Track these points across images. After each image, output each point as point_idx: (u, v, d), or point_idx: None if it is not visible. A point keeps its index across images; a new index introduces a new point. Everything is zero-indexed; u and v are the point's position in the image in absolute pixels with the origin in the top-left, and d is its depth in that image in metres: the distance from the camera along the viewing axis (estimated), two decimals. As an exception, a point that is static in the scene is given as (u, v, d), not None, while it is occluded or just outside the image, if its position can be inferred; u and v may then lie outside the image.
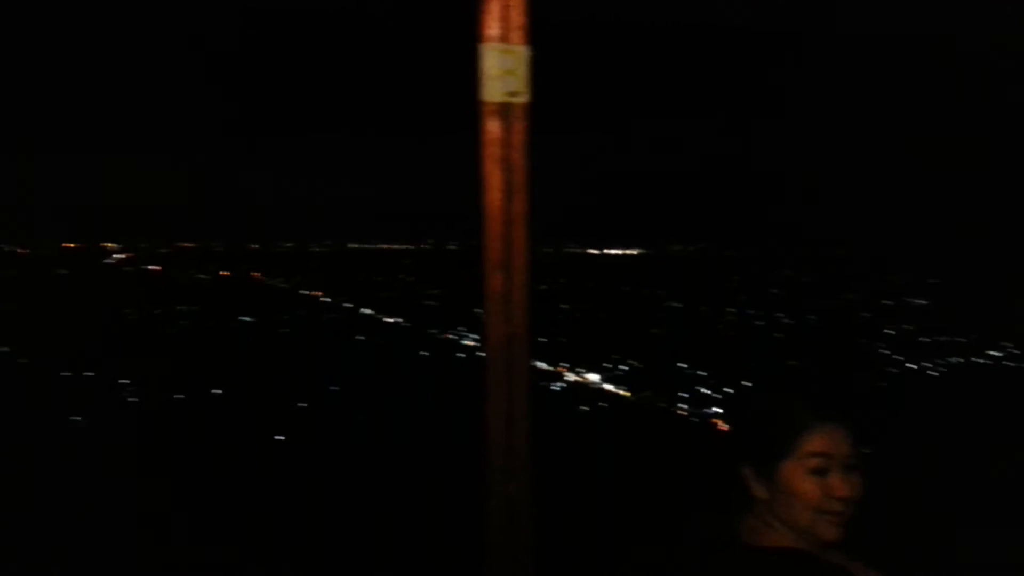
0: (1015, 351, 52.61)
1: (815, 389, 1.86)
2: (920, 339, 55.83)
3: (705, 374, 47.40)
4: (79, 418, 39.28)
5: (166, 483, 29.67)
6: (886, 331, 58.54)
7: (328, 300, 75.98)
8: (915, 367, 49.54)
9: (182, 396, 43.96)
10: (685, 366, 49.50)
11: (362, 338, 60.04)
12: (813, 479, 1.76)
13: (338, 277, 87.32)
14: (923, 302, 70.58)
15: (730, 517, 1.96)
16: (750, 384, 43.87)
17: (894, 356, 51.84)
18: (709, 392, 44.56)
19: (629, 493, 26.44)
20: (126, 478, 29.76)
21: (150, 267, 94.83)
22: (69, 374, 47.50)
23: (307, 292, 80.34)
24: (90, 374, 47.74)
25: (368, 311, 70.36)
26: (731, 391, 43.74)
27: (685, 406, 42.90)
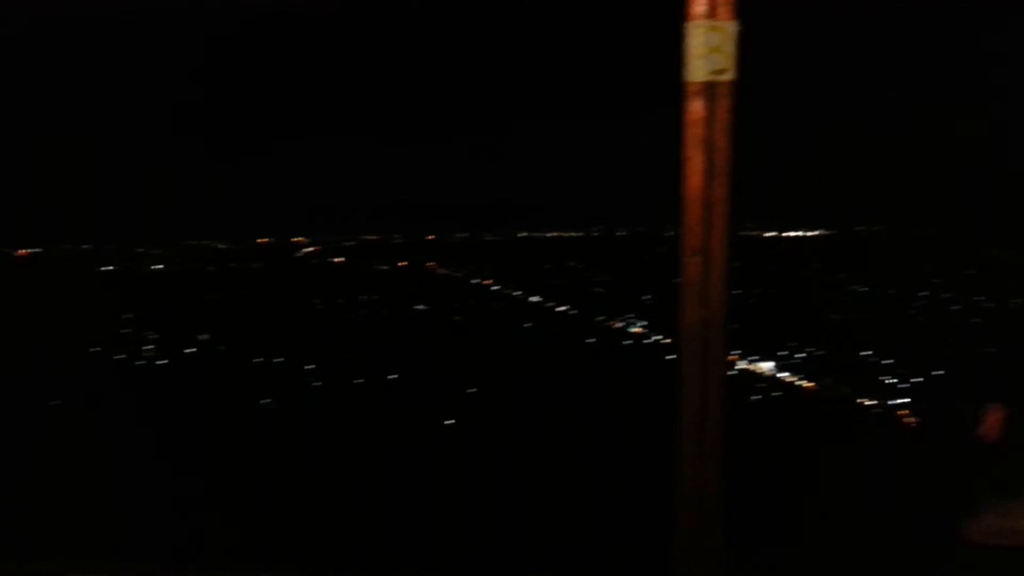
0: None
1: None
2: None
3: (892, 362, 44.53)
4: (269, 401, 42.24)
5: (345, 461, 31.38)
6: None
7: (498, 288, 77.49)
8: None
9: (362, 381, 46.26)
10: (870, 354, 46.69)
11: (530, 325, 60.84)
12: None
13: (508, 266, 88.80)
14: None
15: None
16: (942, 374, 40.84)
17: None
18: (896, 382, 41.87)
19: (804, 484, 25.36)
20: (309, 458, 31.73)
21: (335, 259, 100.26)
22: (261, 359, 51.12)
23: (478, 281, 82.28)
24: (280, 360, 51.14)
25: (536, 299, 71.15)
26: (920, 380, 40.89)
27: (868, 397, 40.56)
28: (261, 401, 42.18)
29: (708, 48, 1.64)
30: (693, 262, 1.79)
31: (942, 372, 40.17)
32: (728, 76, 1.69)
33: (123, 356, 52.12)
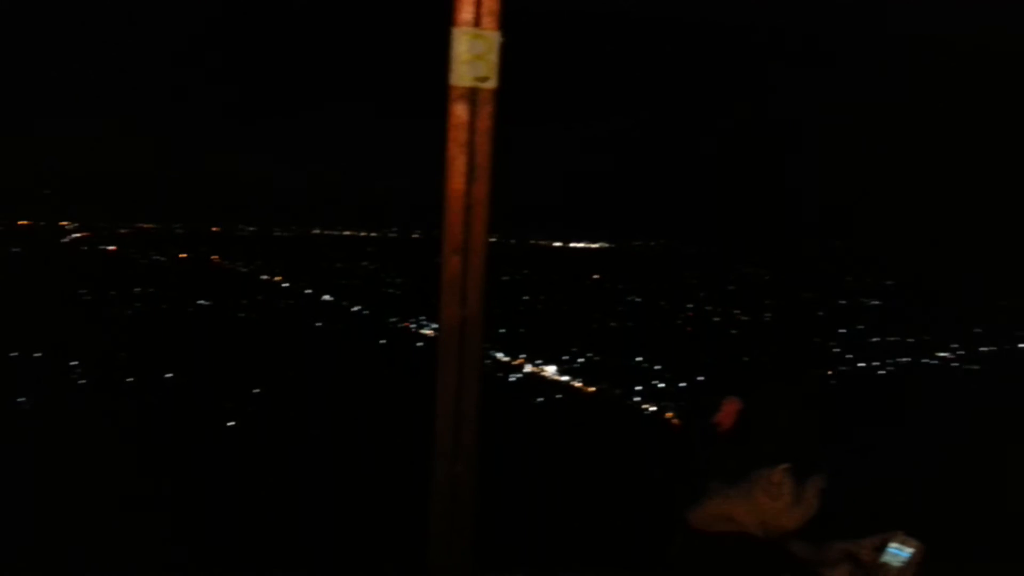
0: (962, 353, 54.07)
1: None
2: (871, 339, 56.96)
3: (660, 368, 47.81)
4: (24, 400, 38.49)
5: (113, 467, 29.22)
6: (839, 330, 59.62)
7: (288, 285, 75.23)
8: (864, 366, 50.60)
9: (132, 379, 43.25)
10: (641, 359, 49.88)
11: (320, 325, 59.56)
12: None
13: (299, 263, 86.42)
14: (876, 303, 72.02)
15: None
16: (703, 379, 44.39)
17: (845, 355, 52.85)
18: (664, 386, 44.96)
19: (579, 481, 26.71)
20: (72, 462, 29.23)
21: (107, 247, 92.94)
22: (16, 354, 46.46)
23: (267, 277, 79.45)
24: (38, 355, 46.72)
25: (328, 298, 69.78)
26: (684, 385, 44.19)
27: (639, 399, 43.27)
28: (16, 400, 38.33)
29: (472, 55, 1.74)
30: (453, 261, 1.89)
31: (703, 377, 43.72)
32: (491, 84, 1.80)
33: None
